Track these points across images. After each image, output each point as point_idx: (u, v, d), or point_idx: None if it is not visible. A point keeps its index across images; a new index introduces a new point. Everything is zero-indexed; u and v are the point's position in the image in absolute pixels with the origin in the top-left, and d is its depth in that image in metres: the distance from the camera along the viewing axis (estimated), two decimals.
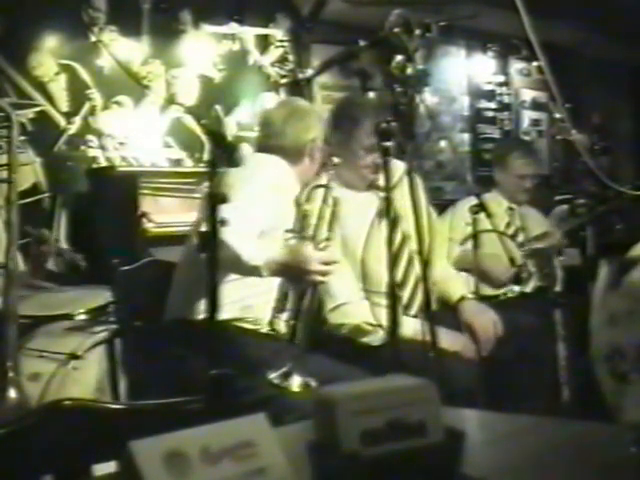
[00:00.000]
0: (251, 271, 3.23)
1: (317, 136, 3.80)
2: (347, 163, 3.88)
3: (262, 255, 3.21)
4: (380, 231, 3.45)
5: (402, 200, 3.21)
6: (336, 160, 3.43)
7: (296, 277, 3.21)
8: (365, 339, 3.72)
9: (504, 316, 4.01)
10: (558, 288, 4.81)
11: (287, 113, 3.85)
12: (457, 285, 4.11)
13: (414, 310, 3.80)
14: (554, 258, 5.01)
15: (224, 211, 3.14)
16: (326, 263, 3.18)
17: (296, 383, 2.98)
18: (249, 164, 3.72)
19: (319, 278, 3.18)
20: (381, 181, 3.35)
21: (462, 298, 4.01)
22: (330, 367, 3.35)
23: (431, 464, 1.13)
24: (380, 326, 3.44)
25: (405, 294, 3.79)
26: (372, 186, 3.91)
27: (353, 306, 3.75)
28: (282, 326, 3.31)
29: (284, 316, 3.29)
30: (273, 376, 3.00)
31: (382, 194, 3.29)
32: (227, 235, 3.02)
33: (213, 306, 2.51)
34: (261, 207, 3.35)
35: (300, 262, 3.17)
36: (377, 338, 3.63)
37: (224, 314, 3.13)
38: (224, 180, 3.52)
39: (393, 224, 3.68)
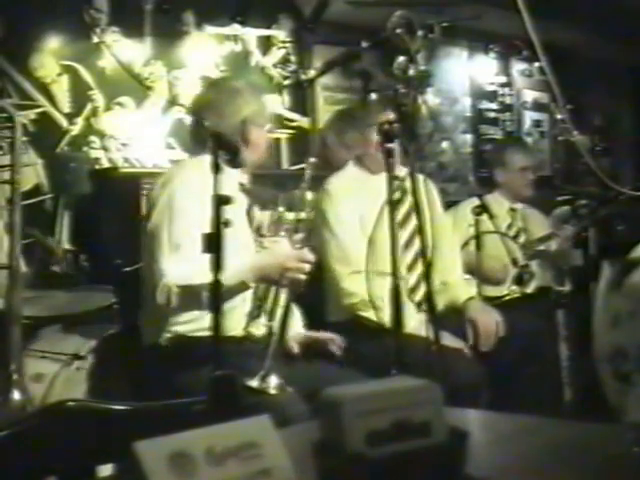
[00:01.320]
0: (239, 289, 3.22)
1: (249, 116, 3.56)
2: (362, 147, 3.96)
3: (242, 267, 3.21)
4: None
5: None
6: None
7: (275, 277, 3.21)
8: (372, 315, 3.72)
9: (507, 317, 4.04)
10: (566, 289, 4.81)
11: (214, 97, 3.66)
12: (466, 289, 4.16)
13: (419, 296, 3.83)
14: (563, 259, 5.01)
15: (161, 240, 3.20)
16: (303, 261, 3.18)
17: (273, 385, 2.99)
18: (169, 175, 3.62)
19: (297, 275, 3.18)
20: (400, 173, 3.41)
21: (469, 299, 4.05)
22: (327, 372, 3.36)
23: (435, 464, 1.13)
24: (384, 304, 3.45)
25: (412, 278, 3.82)
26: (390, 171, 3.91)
27: (375, 277, 3.73)
28: (258, 330, 3.33)
29: (261, 320, 3.31)
30: (252, 380, 3.00)
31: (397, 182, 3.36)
32: (193, 274, 3.08)
33: (217, 309, 2.51)
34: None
35: (278, 261, 3.18)
36: (384, 316, 3.62)
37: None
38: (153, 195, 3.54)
39: (406, 217, 3.74)
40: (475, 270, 4.39)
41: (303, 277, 3.22)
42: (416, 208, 2.99)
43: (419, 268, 3.83)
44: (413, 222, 3.78)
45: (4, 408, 3.32)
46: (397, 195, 3.68)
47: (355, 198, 3.90)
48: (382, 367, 2.73)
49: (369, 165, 4.05)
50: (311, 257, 3.23)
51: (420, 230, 3.01)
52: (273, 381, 2.99)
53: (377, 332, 3.65)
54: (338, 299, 3.90)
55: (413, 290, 3.85)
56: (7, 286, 3.51)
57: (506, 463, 1.44)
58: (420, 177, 3.21)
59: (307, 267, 3.20)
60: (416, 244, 3.82)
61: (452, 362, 3.28)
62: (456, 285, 4.10)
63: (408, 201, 3.78)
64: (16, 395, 3.32)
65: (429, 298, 2.99)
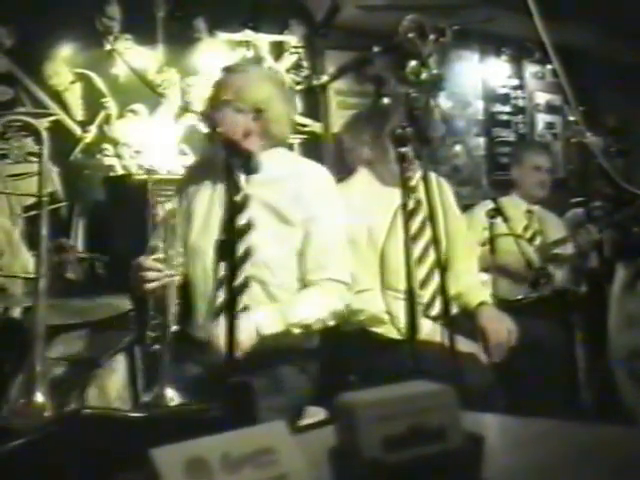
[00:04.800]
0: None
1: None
2: (379, 158, 3.92)
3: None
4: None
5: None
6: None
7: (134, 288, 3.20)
8: (380, 330, 3.71)
9: (521, 319, 4.01)
10: (581, 291, 4.80)
11: None
12: (479, 292, 4.10)
13: (435, 311, 3.79)
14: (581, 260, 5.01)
15: None
16: (142, 270, 3.14)
17: (169, 398, 2.97)
18: None
19: (145, 286, 3.12)
20: (413, 182, 3.40)
21: (481, 303, 3.99)
22: None
23: (451, 469, 1.13)
24: (395, 318, 3.41)
25: (427, 293, 3.79)
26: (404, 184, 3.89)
27: (374, 293, 3.69)
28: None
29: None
30: (146, 398, 3.01)
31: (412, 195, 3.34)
32: None
33: (232, 314, 2.51)
34: None
35: (131, 273, 3.17)
36: (392, 330, 3.61)
37: None
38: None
39: (421, 228, 3.72)
40: (491, 271, 4.37)
41: (149, 287, 3.13)
42: (430, 216, 2.97)
43: (433, 284, 3.80)
44: (427, 235, 3.73)
45: (26, 413, 3.33)
46: (411, 205, 3.66)
47: (364, 209, 3.85)
48: (393, 378, 2.73)
49: (382, 174, 4.00)
50: (151, 265, 3.15)
51: (435, 241, 2.98)
52: (168, 393, 2.97)
53: (386, 344, 3.64)
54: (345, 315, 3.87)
55: (428, 307, 3.80)
56: (33, 294, 3.52)
57: (522, 467, 1.44)
58: (433, 179, 3.17)
59: (150, 276, 3.13)
60: (430, 258, 3.79)
61: (465, 367, 3.27)
62: (470, 289, 4.06)
63: (422, 212, 3.75)
64: (39, 398, 3.33)
65: (445, 308, 2.97)
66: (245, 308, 3.29)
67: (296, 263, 3.46)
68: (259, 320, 3.29)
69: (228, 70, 3.60)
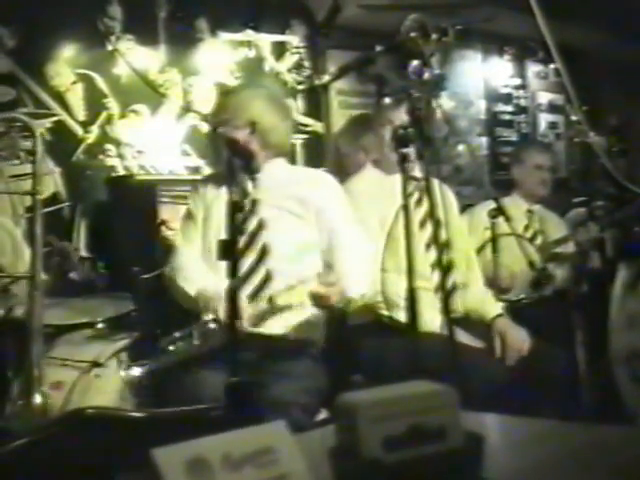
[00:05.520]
0: None
1: None
2: (379, 150, 3.97)
3: None
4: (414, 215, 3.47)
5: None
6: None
7: None
8: (394, 314, 3.72)
9: (523, 319, 4.02)
10: (582, 291, 4.79)
11: None
12: (492, 305, 4.11)
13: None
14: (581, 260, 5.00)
15: None
16: None
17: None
18: None
19: None
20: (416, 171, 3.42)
21: (498, 316, 4.02)
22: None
23: (452, 469, 1.13)
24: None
25: (436, 277, 3.80)
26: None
27: (394, 275, 3.71)
28: None
29: None
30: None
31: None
32: None
33: (234, 312, 2.52)
34: None
35: None
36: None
37: None
38: None
39: (426, 217, 3.73)
40: (491, 277, 4.37)
41: None
42: (431, 211, 2.98)
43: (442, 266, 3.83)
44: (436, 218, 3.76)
45: (25, 414, 3.33)
46: (416, 195, 3.69)
47: (376, 200, 3.90)
48: (406, 368, 2.74)
49: (387, 167, 4.03)
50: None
51: (436, 232, 2.99)
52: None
53: (399, 332, 3.64)
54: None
55: (437, 290, 3.83)
56: (29, 295, 3.53)
57: (522, 467, 1.44)
58: (435, 182, 3.19)
59: None
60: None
61: (475, 360, 3.28)
62: (483, 298, 4.08)
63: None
64: (37, 399, 3.34)
65: (446, 297, 2.97)
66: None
67: (310, 256, 3.56)
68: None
69: (225, 93, 3.80)
